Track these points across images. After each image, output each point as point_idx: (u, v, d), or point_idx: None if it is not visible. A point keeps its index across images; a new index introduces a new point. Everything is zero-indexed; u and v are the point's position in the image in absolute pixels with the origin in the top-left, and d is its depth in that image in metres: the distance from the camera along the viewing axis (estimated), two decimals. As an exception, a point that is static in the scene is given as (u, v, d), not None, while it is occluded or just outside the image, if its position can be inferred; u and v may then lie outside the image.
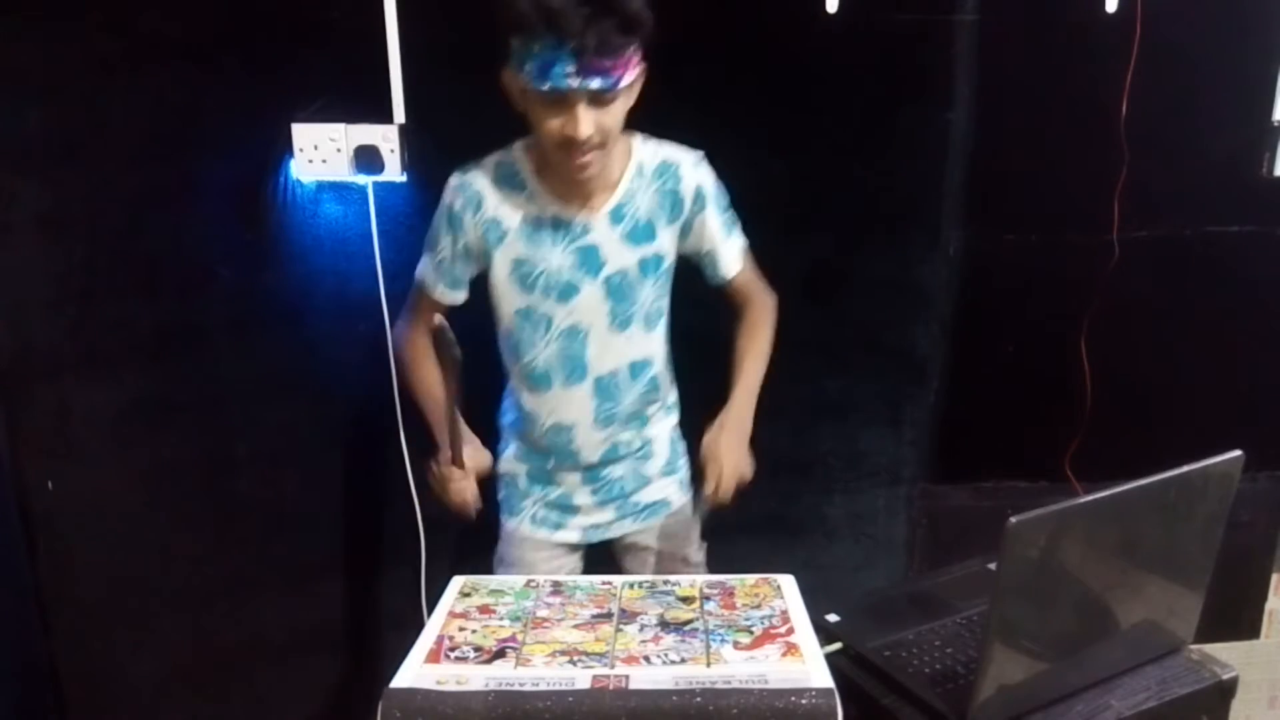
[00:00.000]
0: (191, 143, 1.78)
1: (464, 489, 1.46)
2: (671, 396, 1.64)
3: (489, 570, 1.64)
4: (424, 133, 1.81)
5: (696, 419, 1.58)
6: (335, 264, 1.88)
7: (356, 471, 1.98)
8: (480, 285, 1.52)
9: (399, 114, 1.79)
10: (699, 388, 1.63)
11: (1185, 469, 1.17)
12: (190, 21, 1.74)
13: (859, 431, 2.09)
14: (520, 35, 1.25)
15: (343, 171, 1.79)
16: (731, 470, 1.46)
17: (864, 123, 1.90)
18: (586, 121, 1.29)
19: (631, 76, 1.31)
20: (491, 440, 1.61)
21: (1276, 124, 1.96)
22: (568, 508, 1.59)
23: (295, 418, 1.93)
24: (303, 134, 1.77)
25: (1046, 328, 2.06)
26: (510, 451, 1.62)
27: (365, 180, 1.82)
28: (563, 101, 1.28)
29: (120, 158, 1.76)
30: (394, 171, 1.80)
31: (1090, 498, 1.12)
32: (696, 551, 1.68)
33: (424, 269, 1.51)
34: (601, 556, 1.68)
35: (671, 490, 1.65)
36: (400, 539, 1.99)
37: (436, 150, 1.82)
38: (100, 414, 1.84)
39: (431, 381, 1.50)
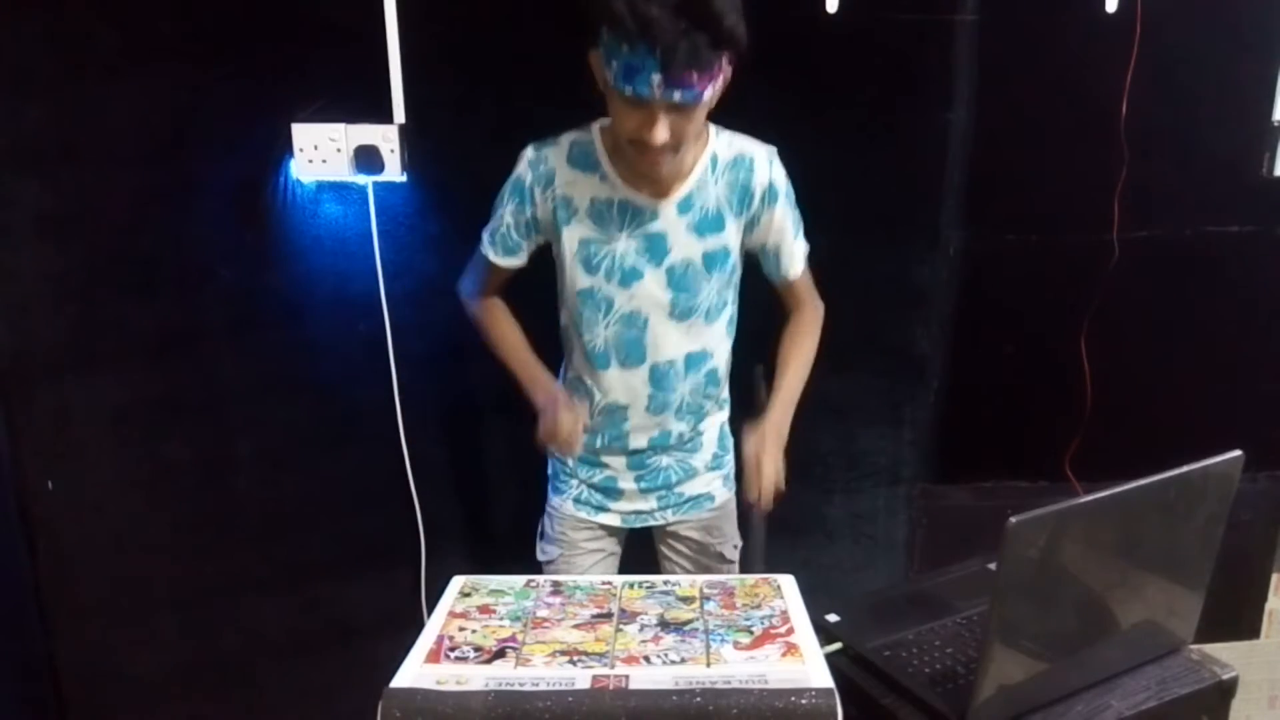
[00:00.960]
0: (191, 143, 1.78)
1: (577, 430, 1.48)
2: (725, 393, 1.64)
3: (488, 571, 1.64)
4: (424, 133, 1.81)
5: (738, 415, 1.60)
6: (335, 264, 1.88)
7: (356, 471, 1.98)
8: (546, 260, 1.53)
9: (399, 114, 1.79)
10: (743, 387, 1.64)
11: (1185, 469, 1.17)
12: (190, 21, 1.74)
13: (859, 431, 2.09)
14: (611, 31, 1.23)
15: (343, 171, 1.79)
16: (770, 479, 1.46)
17: (864, 123, 1.90)
18: (663, 128, 1.29)
19: (715, 88, 1.31)
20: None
21: (1276, 124, 1.96)
22: (612, 491, 1.61)
23: (295, 418, 1.93)
24: (303, 134, 1.77)
25: (1046, 327, 2.06)
26: None
27: (365, 180, 1.82)
28: (644, 105, 1.27)
29: (120, 158, 1.76)
30: (394, 171, 1.80)
31: (1090, 498, 1.12)
32: (733, 550, 1.69)
33: (486, 232, 1.53)
34: (644, 541, 1.70)
35: (716, 485, 1.65)
36: (400, 539, 1.99)
37: (436, 150, 1.83)
38: (100, 414, 1.84)
39: (514, 340, 1.55)
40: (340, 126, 1.77)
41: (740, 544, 1.69)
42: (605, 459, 1.59)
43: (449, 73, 1.80)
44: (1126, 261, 1.99)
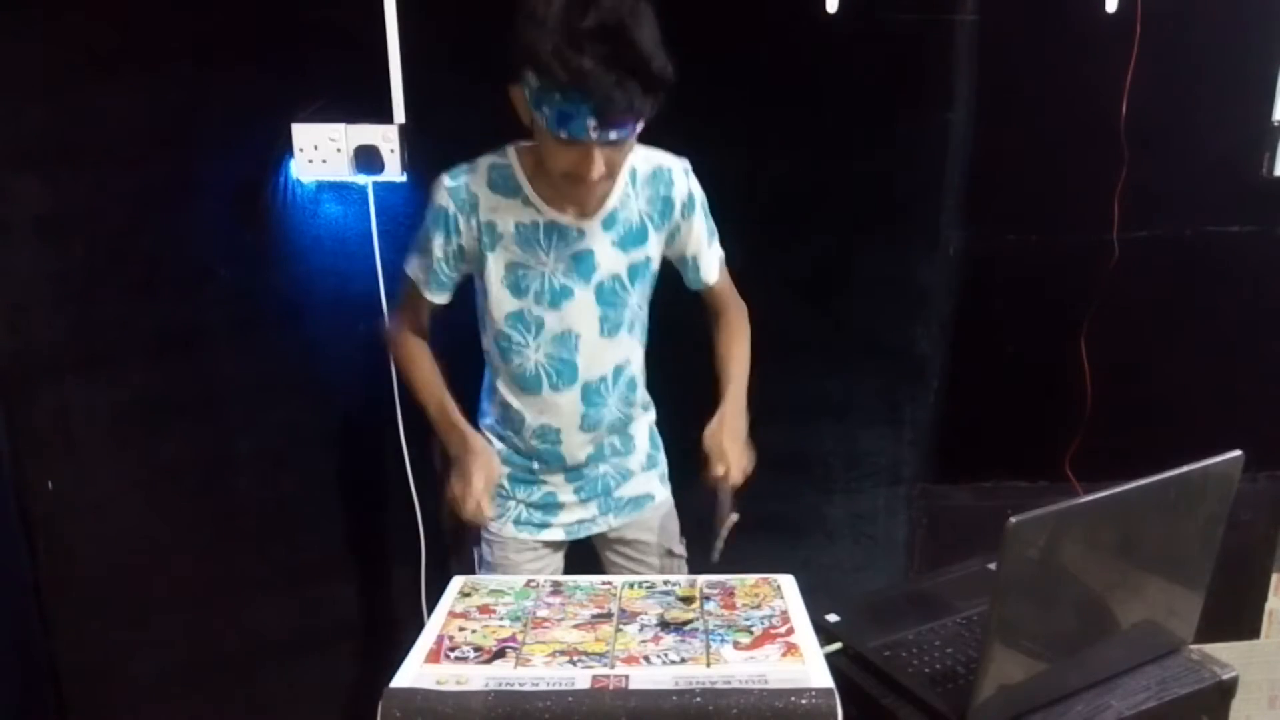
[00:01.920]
0: (191, 143, 1.78)
1: (483, 502, 1.42)
2: (645, 395, 1.64)
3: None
4: (424, 133, 1.81)
5: (677, 417, 1.59)
6: (335, 264, 1.88)
7: (356, 471, 1.98)
8: (465, 287, 1.52)
9: (399, 114, 1.79)
10: (678, 386, 1.62)
11: (1185, 469, 1.17)
12: (190, 21, 1.73)
13: (859, 431, 2.09)
14: (540, 79, 1.22)
15: (343, 171, 1.79)
16: (736, 457, 1.46)
17: (864, 123, 1.90)
18: (599, 165, 1.29)
19: (646, 120, 1.31)
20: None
21: (1276, 124, 1.96)
22: (552, 506, 1.59)
23: (295, 418, 1.93)
24: (303, 134, 1.77)
25: (1046, 327, 2.06)
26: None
27: (365, 180, 1.82)
28: (578, 144, 1.27)
29: (120, 158, 1.76)
30: (394, 171, 1.80)
31: (1090, 498, 1.12)
32: (680, 545, 1.67)
33: (413, 269, 1.50)
34: (582, 552, 1.67)
35: (654, 484, 1.65)
36: (400, 539, 1.99)
37: (436, 150, 1.82)
38: (100, 414, 1.84)
39: (433, 383, 1.51)
40: (340, 126, 1.77)
41: (684, 541, 1.67)
42: (543, 477, 1.57)
43: (449, 73, 1.79)
44: (1126, 261, 1.99)
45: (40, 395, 1.80)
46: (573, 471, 1.57)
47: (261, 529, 1.97)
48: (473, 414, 1.62)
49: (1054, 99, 1.92)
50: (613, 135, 1.25)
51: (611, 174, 1.34)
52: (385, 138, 1.78)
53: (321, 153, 1.78)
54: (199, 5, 1.74)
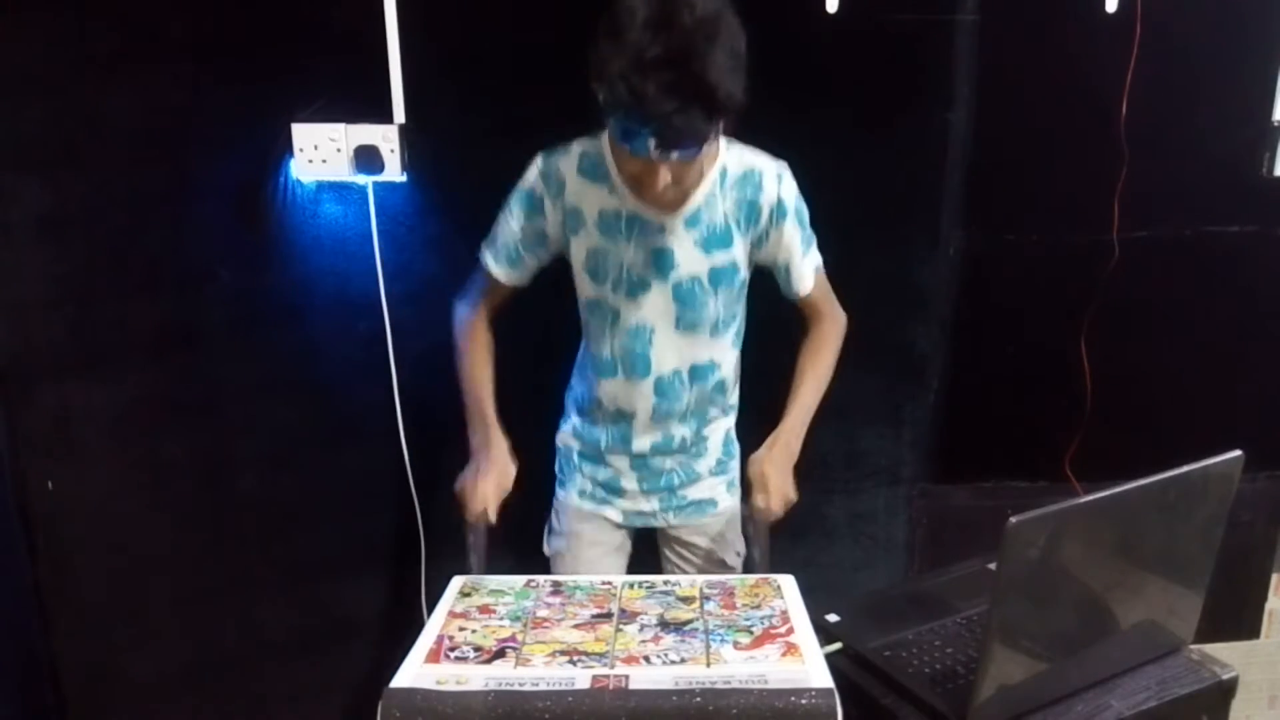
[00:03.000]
0: (191, 143, 1.78)
1: (490, 507, 1.43)
2: (733, 399, 1.64)
3: (489, 571, 1.64)
4: (424, 133, 1.81)
5: (753, 422, 1.59)
6: (335, 264, 1.88)
7: (356, 471, 1.98)
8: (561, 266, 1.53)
9: (399, 114, 1.79)
10: (760, 389, 1.63)
11: (1185, 469, 1.17)
12: (190, 21, 1.73)
13: (859, 431, 2.09)
14: (604, 95, 1.22)
15: (343, 171, 1.79)
16: (778, 487, 1.46)
17: (864, 123, 1.90)
18: (665, 176, 1.30)
19: (716, 137, 1.31)
20: (554, 414, 1.67)
21: (1276, 124, 1.96)
22: (614, 488, 1.61)
23: (295, 418, 1.93)
24: (303, 134, 1.77)
25: (1046, 327, 2.06)
26: (569, 426, 1.65)
27: (365, 180, 1.82)
28: (643, 157, 1.27)
29: (120, 158, 1.76)
30: (394, 171, 1.80)
31: (1090, 498, 1.12)
32: (735, 557, 1.68)
33: (486, 246, 1.51)
34: (650, 543, 1.70)
35: (719, 490, 1.65)
36: (400, 539, 1.99)
37: (436, 150, 1.82)
38: (100, 414, 1.84)
39: (482, 380, 1.51)
40: (340, 126, 1.77)
41: (743, 551, 1.68)
42: (608, 459, 1.60)
43: (449, 72, 1.79)
44: (1126, 261, 1.99)
45: (40, 395, 1.80)
46: (638, 459, 1.58)
47: (261, 529, 1.97)
48: (560, 388, 1.66)
49: (1054, 99, 1.92)
50: (675, 155, 1.26)
51: (679, 184, 1.34)
52: (385, 138, 1.78)
53: (321, 153, 1.78)
54: (199, 5, 1.74)
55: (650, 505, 1.62)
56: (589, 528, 1.63)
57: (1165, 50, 1.87)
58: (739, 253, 1.48)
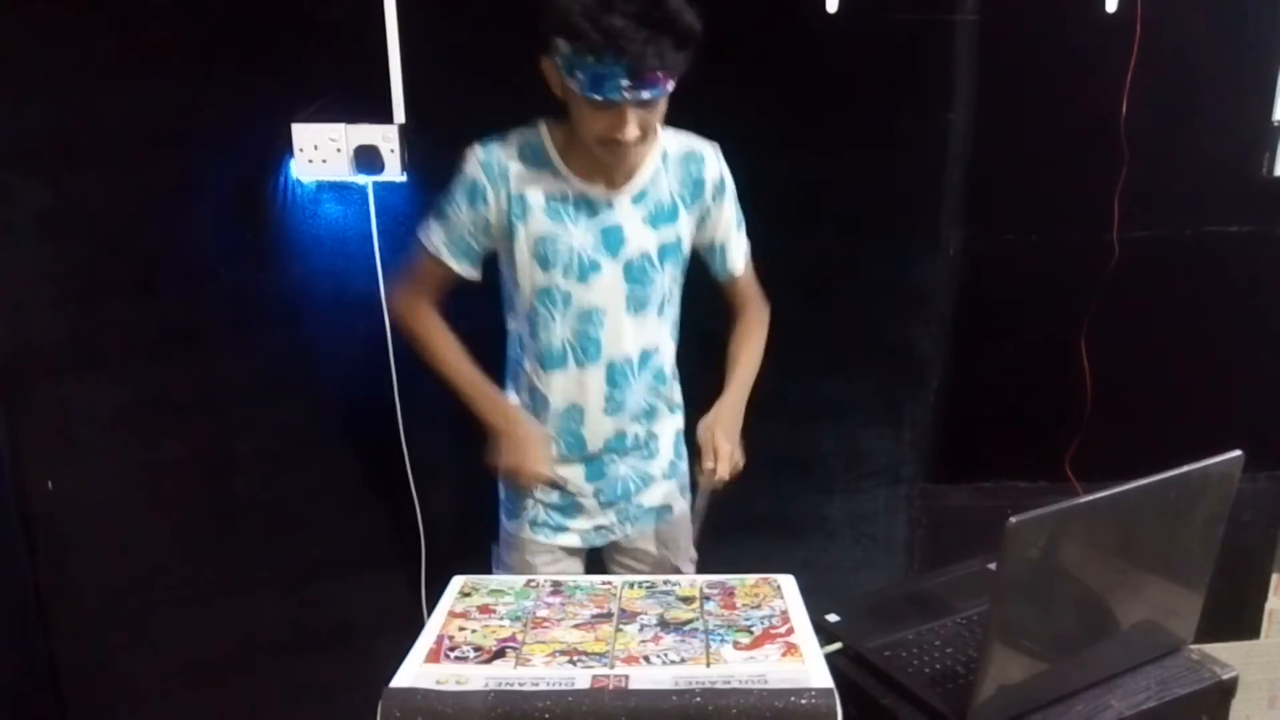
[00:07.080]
0: (191, 143, 1.78)
1: (542, 467, 1.49)
2: (677, 396, 1.64)
3: (488, 570, 1.64)
4: (424, 133, 1.81)
5: (694, 422, 1.58)
6: (335, 264, 1.88)
7: (356, 471, 1.98)
8: (490, 270, 1.52)
9: (399, 114, 1.79)
10: (701, 391, 1.62)
11: (1185, 469, 1.17)
12: (190, 21, 1.74)
13: (859, 431, 2.09)
14: (572, 43, 1.26)
15: (343, 171, 1.79)
16: (727, 451, 1.46)
17: (864, 123, 1.90)
18: (633, 126, 1.32)
19: (676, 79, 1.34)
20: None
21: (1276, 124, 1.96)
22: (570, 508, 1.58)
23: (295, 418, 1.93)
24: (303, 134, 1.77)
25: (1046, 327, 2.06)
26: None
27: (365, 180, 1.82)
28: (613, 107, 1.30)
29: (120, 158, 1.76)
30: (394, 171, 1.80)
31: (1090, 498, 1.12)
32: (689, 563, 1.66)
33: (434, 238, 1.49)
34: (595, 565, 1.67)
35: (673, 494, 1.65)
36: (400, 539, 1.99)
37: (436, 150, 1.82)
38: (100, 414, 1.84)
39: (457, 353, 1.52)
40: (340, 126, 1.77)
41: (696, 557, 1.66)
42: (562, 471, 1.55)
43: (449, 73, 1.79)
44: (1126, 261, 1.99)
45: (40, 395, 1.80)
46: (592, 465, 1.56)
47: (261, 529, 1.97)
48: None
49: (1054, 99, 1.92)
50: (645, 95, 1.29)
51: (645, 136, 1.36)
52: (385, 138, 1.78)
53: (321, 153, 1.78)
54: (199, 5, 1.74)
55: (608, 519, 1.60)
56: (542, 559, 1.59)
57: (1165, 50, 1.87)
58: (684, 228, 1.52)
